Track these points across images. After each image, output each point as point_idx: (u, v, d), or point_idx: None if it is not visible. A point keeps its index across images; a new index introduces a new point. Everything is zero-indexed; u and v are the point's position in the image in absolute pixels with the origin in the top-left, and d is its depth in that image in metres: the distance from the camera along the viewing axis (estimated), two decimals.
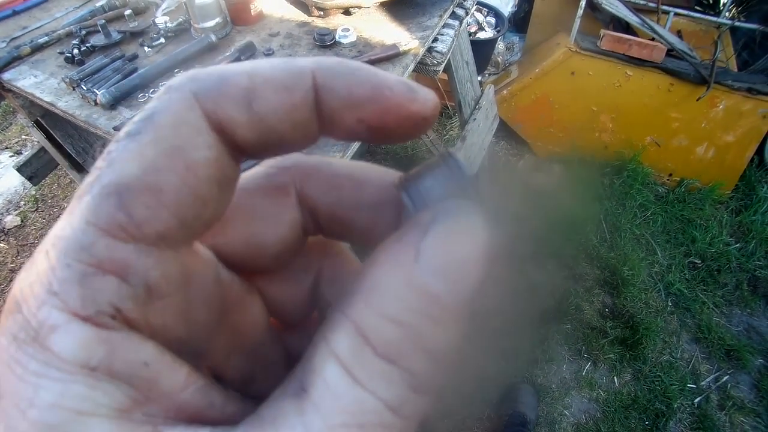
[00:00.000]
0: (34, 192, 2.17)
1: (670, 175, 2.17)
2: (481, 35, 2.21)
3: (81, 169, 1.49)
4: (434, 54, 1.06)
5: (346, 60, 0.15)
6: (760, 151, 2.05)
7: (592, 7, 2.04)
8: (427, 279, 0.12)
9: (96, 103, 0.94)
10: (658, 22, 2.02)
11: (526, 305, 1.75)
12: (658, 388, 1.60)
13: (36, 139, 1.37)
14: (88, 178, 0.13)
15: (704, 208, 2.07)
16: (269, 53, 1.03)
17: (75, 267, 0.11)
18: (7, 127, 2.49)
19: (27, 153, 1.70)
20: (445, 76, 1.38)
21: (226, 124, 0.13)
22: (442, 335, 0.12)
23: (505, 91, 2.13)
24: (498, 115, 1.72)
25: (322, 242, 0.20)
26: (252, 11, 1.10)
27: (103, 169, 0.12)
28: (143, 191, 0.12)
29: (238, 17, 1.11)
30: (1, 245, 1.99)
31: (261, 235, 0.17)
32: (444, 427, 1.50)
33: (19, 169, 1.54)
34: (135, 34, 1.10)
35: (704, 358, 1.70)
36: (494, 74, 2.39)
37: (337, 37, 1.04)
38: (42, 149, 1.48)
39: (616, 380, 1.63)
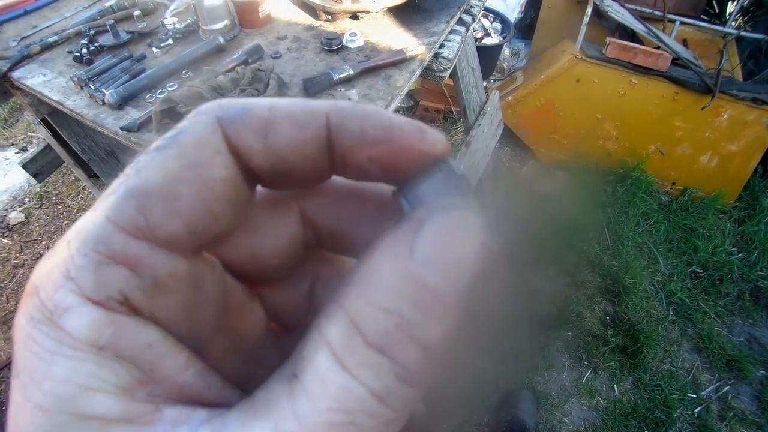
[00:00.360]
0: (38, 189, 2.18)
1: (674, 183, 2.17)
2: (487, 41, 2.22)
3: (86, 167, 1.49)
4: (441, 60, 1.07)
5: (361, 104, 0.16)
6: (764, 161, 2.05)
7: (598, 15, 2.04)
8: (421, 270, 0.12)
9: (104, 103, 0.95)
10: (663, 30, 2.02)
11: (527, 311, 1.75)
12: (658, 397, 1.59)
13: (42, 136, 1.38)
14: (116, 182, 0.14)
15: (707, 218, 2.06)
16: (276, 56, 1.04)
17: (91, 256, 0.13)
18: (13, 124, 2.50)
19: (33, 150, 1.71)
20: (450, 82, 1.38)
21: (243, 150, 0.15)
22: (434, 327, 0.12)
23: (510, 97, 2.13)
24: (502, 121, 1.72)
25: (317, 251, 0.21)
26: (260, 14, 1.11)
27: (130, 176, 0.14)
28: (161, 198, 0.13)
29: (246, 20, 1.11)
30: (5, 241, 2.00)
31: (263, 246, 0.18)
32: (443, 431, 1.50)
33: (25, 165, 1.55)
34: (143, 35, 1.11)
35: (705, 368, 1.69)
36: (499, 80, 2.39)
37: (344, 42, 1.04)
38: (48, 147, 1.49)
39: (616, 388, 1.62)
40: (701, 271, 1.93)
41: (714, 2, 2.27)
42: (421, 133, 0.15)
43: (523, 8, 2.51)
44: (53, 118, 1.26)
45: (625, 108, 2.03)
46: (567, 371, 1.65)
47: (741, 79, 2.10)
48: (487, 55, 2.18)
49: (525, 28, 2.60)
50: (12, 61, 1.01)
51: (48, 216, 2.10)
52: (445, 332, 0.12)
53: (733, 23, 2.09)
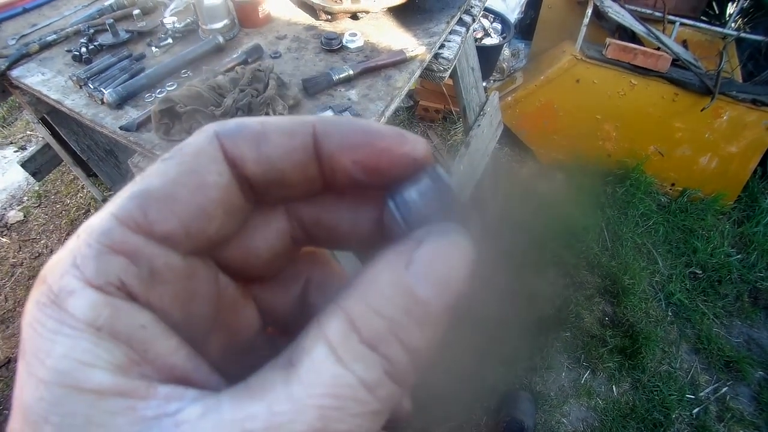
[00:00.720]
0: (37, 188, 2.17)
1: (673, 184, 2.17)
2: (487, 41, 2.22)
3: (85, 165, 1.49)
4: (441, 60, 1.07)
5: (345, 116, 0.18)
6: (763, 162, 2.05)
7: (598, 16, 2.04)
8: (414, 284, 0.13)
9: (102, 102, 0.95)
10: (663, 31, 2.02)
11: (525, 312, 1.75)
12: (656, 398, 1.60)
13: (41, 135, 1.38)
14: (125, 187, 0.16)
15: (706, 219, 2.07)
16: (276, 56, 1.03)
17: (94, 246, 0.14)
18: (12, 123, 2.50)
19: (31, 149, 1.71)
20: (450, 82, 1.38)
21: (238, 159, 0.16)
22: (420, 333, 0.13)
23: (509, 98, 2.13)
24: (502, 121, 1.72)
25: (311, 252, 0.22)
26: (260, 14, 1.10)
27: (137, 182, 0.15)
28: (160, 199, 0.15)
29: (245, 19, 1.11)
30: (4, 240, 2.00)
31: (252, 242, 0.19)
32: None
33: (24, 164, 1.55)
34: (143, 34, 1.10)
35: (703, 369, 1.69)
36: (499, 80, 2.39)
37: (344, 42, 1.04)
38: (46, 145, 1.49)
39: (614, 389, 1.62)
40: (700, 272, 1.94)
41: (714, 3, 2.28)
42: (401, 137, 0.17)
43: (523, 8, 2.51)
44: (52, 116, 1.26)
45: (625, 109, 2.04)
46: (566, 372, 1.66)
47: (741, 81, 2.10)
48: (487, 56, 2.18)
49: (525, 28, 2.60)
50: (10, 60, 1.01)
51: (47, 215, 2.09)
52: (430, 338, 0.14)
53: (732, 24, 2.09)
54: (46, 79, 1.01)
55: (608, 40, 1.94)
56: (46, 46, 1.06)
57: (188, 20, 1.09)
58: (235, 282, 0.19)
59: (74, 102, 0.96)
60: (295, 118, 0.17)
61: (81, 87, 0.98)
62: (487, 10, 2.23)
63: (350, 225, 0.19)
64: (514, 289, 1.76)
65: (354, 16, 1.11)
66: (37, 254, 1.95)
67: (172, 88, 0.97)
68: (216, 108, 0.84)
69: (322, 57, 1.03)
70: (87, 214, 2.07)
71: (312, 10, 1.14)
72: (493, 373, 1.63)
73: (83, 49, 1.03)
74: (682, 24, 2.05)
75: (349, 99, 0.93)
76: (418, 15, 1.11)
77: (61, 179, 2.22)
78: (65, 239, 2.06)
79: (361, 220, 0.19)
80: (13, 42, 1.08)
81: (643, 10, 2.08)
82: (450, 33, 1.12)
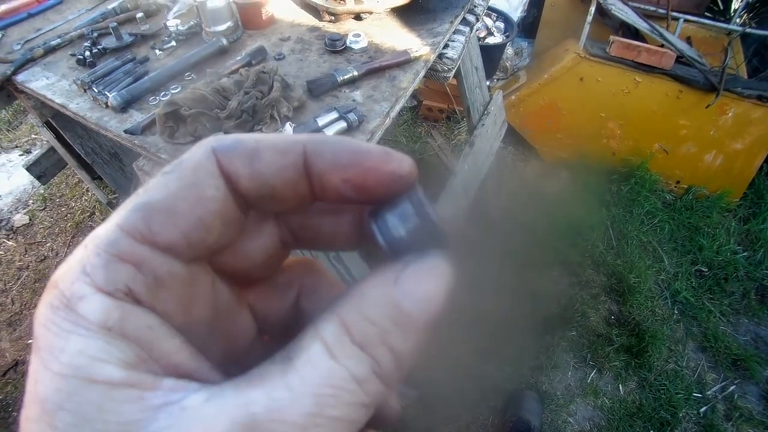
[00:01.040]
0: (42, 191, 2.18)
1: (678, 182, 2.16)
2: (490, 40, 2.21)
3: (89, 169, 1.50)
4: (445, 60, 1.06)
5: (335, 136, 0.20)
6: None
7: (602, 13, 2.03)
8: (400, 298, 0.15)
9: (107, 106, 0.95)
10: (667, 28, 2.01)
11: (531, 311, 1.74)
12: (663, 396, 1.59)
13: (45, 138, 1.38)
14: (129, 199, 0.17)
15: (712, 216, 2.05)
16: (280, 58, 1.03)
17: (103, 255, 0.15)
18: (17, 126, 2.51)
19: (36, 152, 1.71)
20: (454, 81, 1.38)
21: (233, 175, 0.17)
22: (404, 339, 0.15)
23: (513, 97, 2.12)
24: (506, 120, 1.71)
25: (304, 262, 0.24)
26: (263, 15, 1.10)
27: (140, 194, 0.17)
28: (162, 212, 0.16)
29: (249, 21, 1.11)
30: (10, 243, 2.01)
31: (246, 246, 0.20)
32: (448, 431, 1.50)
33: (29, 168, 1.55)
34: (146, 37, 1.11)
35: (710, 368, 1.69)
36: (503, 79, 2.39)
37: (348, 43, 1.04)
38: (51, 149, 1.49)
39: (621, 388, 1.62)
40: (706, 269, 1.93)
41: None
42: (387, 155, 0.18)
43: (526, 7, 2.50)
44: (57, 120, 1.26)
45: (629, 106, 2.03)
46: (572, 371, 1.65)
47: (746, 77, 2.08)
48: (490, 55, 2.17)
49: (528, 26, 2.59)
50: (16, 65, 1.01)
51: (52, 218, 2.10)
52: (412, 345, 0.15)
53: (737, 20, 2.07)
54: (51, 83, 1.01)
55: (612, 37, 1.93)
56: (50, 51, 1.06)
57: (191, 23, 1.09)
58: (229, 287, 0.21)
59: (79, 106, 0.96)
60: (288, 137, 0.18)
61: (85, 90, 0.98)
62: (490, 9, 2.22)
63: (332, 228, 0.22)
64: (520, 289, 1.76)
65: (357, 17, 1.11)
66: (42, 257, 1.96)
67: (176, 91, 0.97)
68: (221, 111, 0.84)
69: (326, 58, 1.03)
70: (92, 216, 2.08)
71: (315, 12, 1.14)
72: (500, 372, 1.62)
73: (87, 53, 1.03)
74: (686, 20, 2.04)
75: (353, 100, 0.93)
76: (421, 15, 1.11)
77: (65, 182, 2.23)
78: (71, 242, 2.08)
79: (342, 224, 0.21)
80: (18, 47, 1.08)
81: (647, 6, 2.07)
82: (454, 33, 1.11)
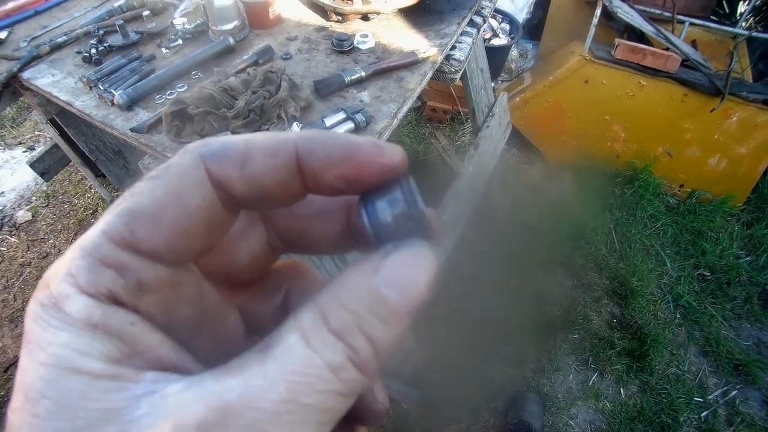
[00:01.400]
0: (45, 188, 2.18)
1: (682, 186, 2.16)
2: (496, 42, 2.21)
3: (93, 166, 1.50)
4: (452, 62, 1.06)
5: (324, 131, 0.19)
6: None
7: (607, 16, 2.03)
8: (380, 286, 0.15)
9: (113, 104, 0.95)
10: (673, 31, 2.01)
11: (533, 313, 1.74)
12: (664, 400, 1.59)
13: (49, 135, 1.38)
14: (117, 201, 0.17)
15: (715, 220, 2.05)
16: (287, 57, 1.03)
17: (87, 259, 0.16)
18: (21, 123, 2.51)
19: (40, 149, 1.71)
20: (459, 83, 1.37)
21: (224, 181, 0.17)
22: (383, 328, 0.15)
23: (517, 98, 2.12)
24: (510, 122, 1.71)
25: (291, 265, 0.25)
26: (270, 15, 1.10)
27: (127, 198, 0.17)
28: (147, 219, 0.16)
29: (256, 20, 1.10)
30: (12, 240, 2.01)
31: (234, 250, 0.21)
32: None
33: (32, 165, 1.55)
34: (153, 35, 1.10)
35: (712, 372, 1.68)
36: (507, 81, 2.38)
37: (355, 43, 1.04)
38: (55, 146, 1.49)
39: (622, 392, 1.62)
40: (709, 274, 1.92)
41: (724, 2, 2.25)
42: (378, 148, 0.18)
43: (532, 9, 2.49)
44: (61, 117, 1.26)
45: (634, 110, 2.02)
46: (573, 374, 1.65)
47: (751, 81, 2.08)
48: (495, 56, 2.17)
49: (533, 28, 2.59)
50: (22, 62, 1.01)
51: (55, 215, 2.10)
52: (391, 334, 0.15)
53: (743, 24, 2.07)
54: (57, 81, 1.01)
55: (617, 40, 1.93)
56: (56, 48, 1.06)
57: (198, 21, 1.09)
58: (217, 289, 0.21)
59: (84, 103, 0.96)
60: (278, 137, 0.18)
61: (91, 88, 0.98)
62: (496, 11, 2.22)
63: (321, 231, 0.22)
64: (522, 290, 1.76)
65: (365, 17, 1.11)
66: (45, 254, 1.96)
67: (183, 89, 0.97)
68: (228, 110, 0.84)
69: (333, 58, 1.02)
70: (95, 214, 2.08)
71: (323, 11, 1.14)
72: (501, 374, 1.62)
73: (93, 51, 1.03)
74: (691, 24, 2.03)
75: (361, 101, 0.93)
76: (429, 16, 1.11)
77: (69, 179, 2.23)
78: (73, 239, 2.07)
79: (329, 227, 0.21)
80: (25, 44, 1.08)
81: (652, 10, 2.06)
82: (461, 34, 1.11)
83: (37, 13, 1.16)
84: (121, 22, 1.07)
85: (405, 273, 0.16)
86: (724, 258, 1.94)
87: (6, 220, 2.08)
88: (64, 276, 0.15)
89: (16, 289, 1.84)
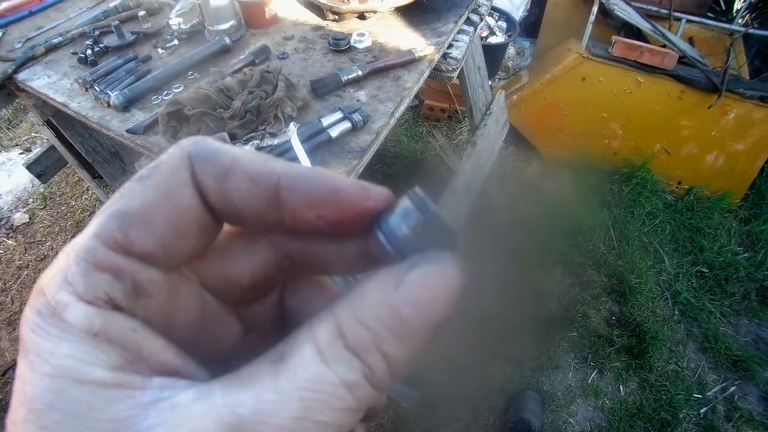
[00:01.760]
0: (42, 190, 2.18)
1: (679, 183, 2.16)
2: (492, 40, 2.21)
3: (90, 168, 1.49)
4: (449, 60, 1.06)
5: (313, 168, 0.18)
6: None
7: (604, 13, 2.03)
8: (401, 303, 0.15)
9: (109, 105, 0.94)
10: (669, 28, 2.01)
11: (532, 311, 1.74)
12: (663, 397, 1.59)
13: (46, 137, 1.37)
14: (106, 204, 0.17)
15: (713, 217, 2.05)
16: (283, 57, 1.03)
17: (82, 264, 0.15)
18: (17, 125, 2.50)
19: (37, 151, 1.70)
20: (456, 81, 1.37)
21: (202, 186, 0.17)
22: (400, 347, 0.15)
23: (515, 96, 2.12)
24: (508, 120, 1.71)
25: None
26: (266, 14, 1.10)
27: (117, 200, 0.16)
28: (138, 220, 0.16)
29: (252, 20, 1.10)
30: (10, 242, 2.00)
31: (234, 269, 0.20)
32: None
33: (29, 167, 1.55)
34: (148, 36, 1.10)
35: (711, 368, 1.69)
36: (504, 79, 2.38)
37: (352, 42, 1.03)
38: (51, 147, 1.49)
39: (621, 389, 1.62)
40: (707, 270, 1.93)
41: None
42: (365, 191, 0.18)
43: (528, 6, 2.49)
44: (57, 119, 1.25)
45: (631, 107, 2.02)
46: (573, 372, 1.65)
47: (748, 78, 2.08)
48: (493, 54, 2.17)
49: (530, 26, 2.59)
50: (17, 63, 1.01)
51: (52, 217, 2.09)
52: (408, 352, 0.15)
53: (740, 20, 2.07)
54: (52, 82, 1.00)
55: (614, 37, 1.93)
56: (51, 49, 1.06)
57: (194, 21, 1.09)
58: (218, 300, 0.21)
59: (80, 105, 0.96)
60: (266, 164, 0.17)
61: (87, 89, 0.97)
62: (493, 9, 2.22)
63: (337, 255, 0.20)
64: (521, 289, 1.76)
65: (361, 16, 1.11)
66: (42, 256, 1.95)
67: (179, 90, 0.96)
68: (224, 110, 0.84)
69: (330, 58, 1.02)
70: (92, 215, 2.06)
71: (319, 10, 1.13)
72: (501, 373, 1.62)
73: (89, 52, 1.03)
74: (688, 21, 2.03)
75: (358, 100, 0.93)
76: (426, 15, 1.10)
77: (66, 181, 2.22)
78: (70, 241, 2.05)
79: (347, 249, 0.20)
80: (20, 45, 1.08)
81: (649, 7, 2.06)
82: (458, 32, 1.11)
83: (32, 13, 1.15)
84: (117, 22, 1.06)
85: (427, 291, 0.15)
86: (722, 254, 1.94)
87: (3, 222, 2.07)
88: (60, 283, 0.15)
89: (13, 292, 1.83)
